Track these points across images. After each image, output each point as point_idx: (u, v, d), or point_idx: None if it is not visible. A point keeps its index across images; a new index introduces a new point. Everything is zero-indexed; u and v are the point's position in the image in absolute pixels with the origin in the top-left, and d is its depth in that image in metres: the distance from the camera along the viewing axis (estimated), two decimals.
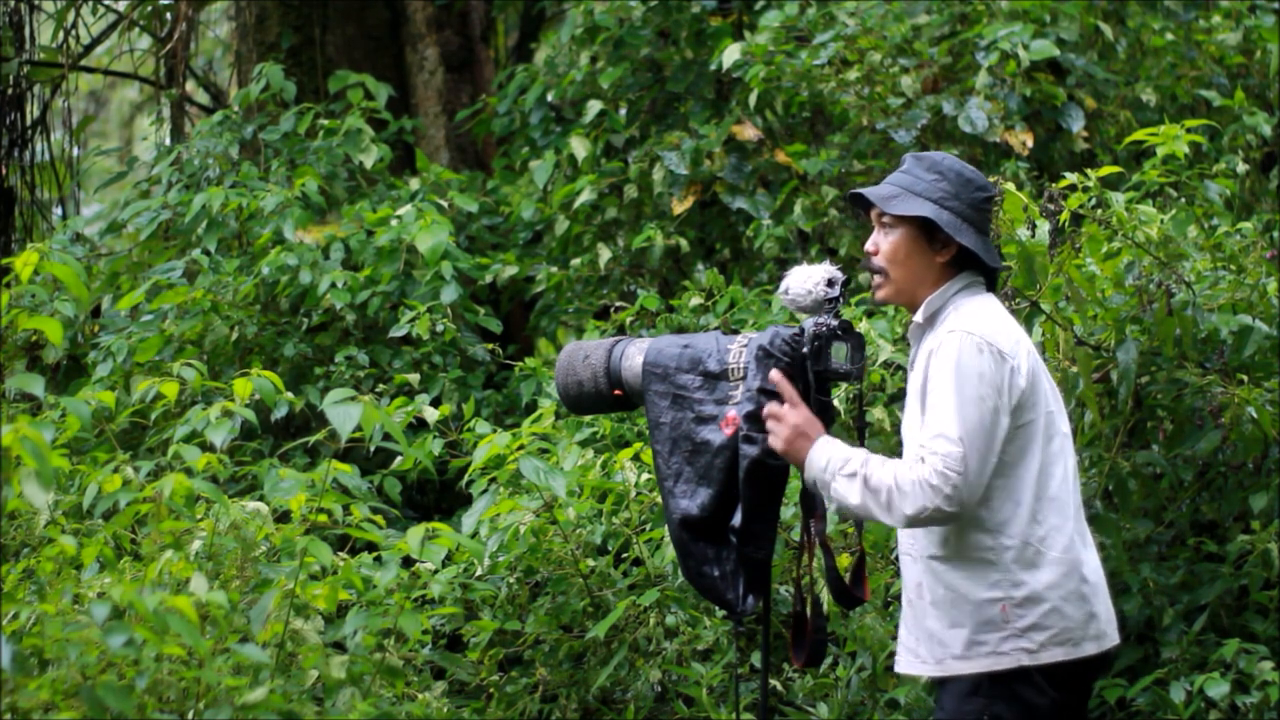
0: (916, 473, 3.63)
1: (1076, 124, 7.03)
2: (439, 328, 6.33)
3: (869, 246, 3.93)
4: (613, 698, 5.15)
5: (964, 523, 3.70)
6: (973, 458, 3.62)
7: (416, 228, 6.61)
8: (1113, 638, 3.82)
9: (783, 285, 4.08)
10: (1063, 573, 3.71)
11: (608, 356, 4.25)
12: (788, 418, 3.80)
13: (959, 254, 3.83)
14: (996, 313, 3.81)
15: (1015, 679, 3.70)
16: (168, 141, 8.20)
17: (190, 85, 9.16)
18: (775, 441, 3.82)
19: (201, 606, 3.79)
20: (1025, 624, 3.69)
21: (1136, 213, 5.10)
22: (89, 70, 9.25)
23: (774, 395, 3.96)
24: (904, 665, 3.90)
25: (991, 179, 4.94)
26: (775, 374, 3.86)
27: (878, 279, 3.91)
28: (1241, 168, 6.69)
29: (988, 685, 3.71)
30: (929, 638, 3.79)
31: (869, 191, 3.91)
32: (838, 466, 3.73)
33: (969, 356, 3.68)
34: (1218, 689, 4.80)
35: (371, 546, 4.88)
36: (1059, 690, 3.72)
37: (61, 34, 8.33)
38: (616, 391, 4.24)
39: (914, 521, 3.65)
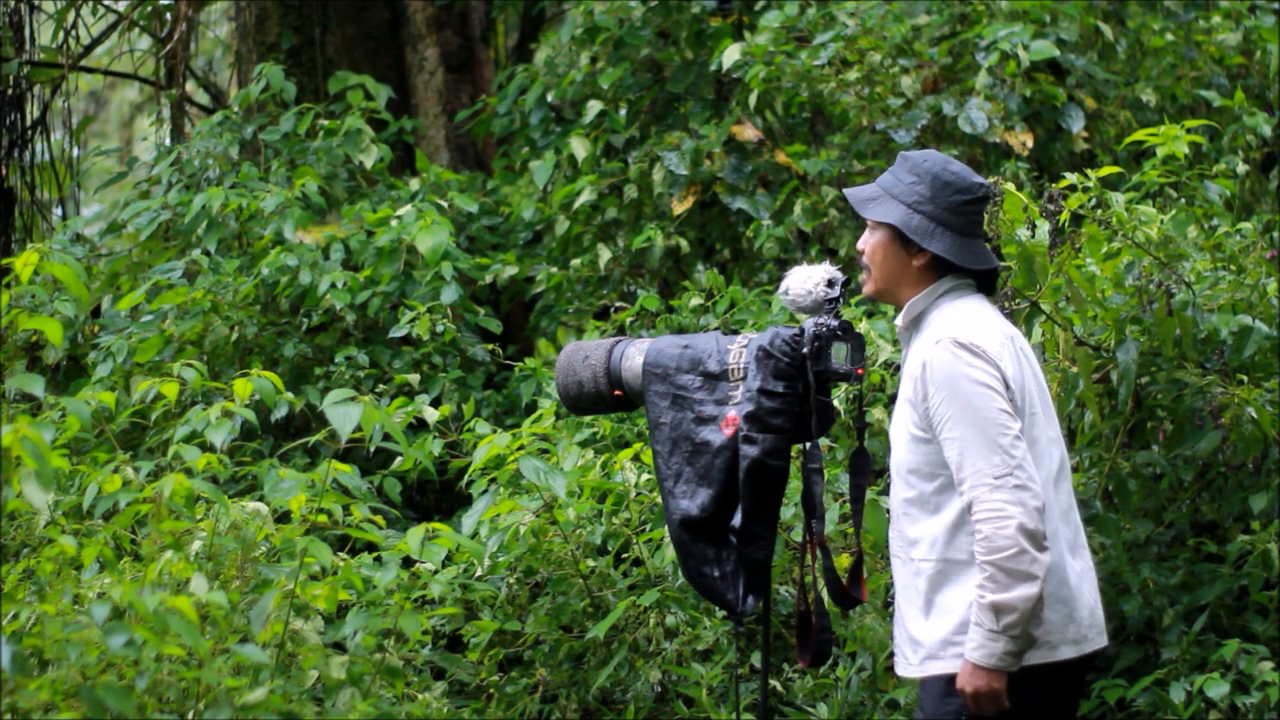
0: (987, 517, 3.56)
1: (1076, 124, 7.03)
2: (439, 328, 6.33)
3: (859, 244, 3.95)
4: (613, 698, 5.15)
5: (950, 525, 3.70)
6: (1004, 443, 3.60)
7: (416, 228, 6.61)
8: (1095, 642, 3.79)
9: (783, 286, 4.09)
10: None
11: (608, 357, 4.26)
12: (976, 686, 3.64)
13: (938, 257, 3.83)
14: (981, 315, 3.80)
15: None
16: (168, 142, 8.19)
17: (190, 85, 9.15)
18: (991, 699, 3.64)
19: (201, 607, 3.79)
20: None
21: (1136, 213, 5.09)
22: (89, 70, 9.24)
23: (773, 395, 3.96)
24: (898, 667, 3.91)
25: (991, 179, 4.94)
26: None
27: (864, 274, 3.95)
28: (1241, 168, 6.69)
29: None
30: (911, 639, 3.80)
31: (851, 192, 3.94)
32: (987, 638, 3.59)
33: (960, 366, 3.67)
34: (1218, 689, 4.80)
35: (371, 547, 4.88)
36: (1038, 688, 3.71)
37: (61, 34, 8.32)
38: (616, 392, 4.25)
39: (1035, 535, 3.55)
